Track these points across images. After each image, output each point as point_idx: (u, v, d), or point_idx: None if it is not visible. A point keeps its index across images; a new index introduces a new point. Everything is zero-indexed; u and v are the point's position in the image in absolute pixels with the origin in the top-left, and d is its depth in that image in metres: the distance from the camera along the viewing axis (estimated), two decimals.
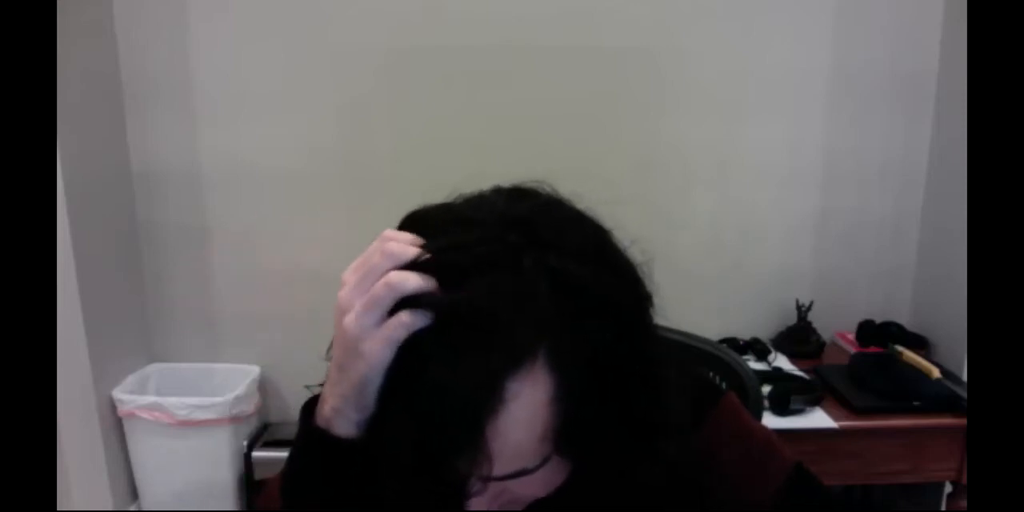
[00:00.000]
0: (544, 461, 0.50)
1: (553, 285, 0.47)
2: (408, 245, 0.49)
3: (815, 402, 1.72)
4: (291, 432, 2.13)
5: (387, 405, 0.48)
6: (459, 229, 0.50)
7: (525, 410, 0.47)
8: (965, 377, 1.81)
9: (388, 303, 0.48)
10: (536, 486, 0.53)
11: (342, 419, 0.52)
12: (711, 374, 0.97)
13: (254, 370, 2.22)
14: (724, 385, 0.97)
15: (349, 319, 0.50)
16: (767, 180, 2.18)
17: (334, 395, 0.52)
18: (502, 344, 0.45)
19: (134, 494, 2.17)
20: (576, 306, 0.48)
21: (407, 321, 0.47)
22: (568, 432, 0.49)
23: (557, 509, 0.58)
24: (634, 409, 0.52)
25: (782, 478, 0.63)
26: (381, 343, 0.48)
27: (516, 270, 0.47)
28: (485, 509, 0.52)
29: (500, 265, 0.47)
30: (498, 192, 0.55)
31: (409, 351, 0.47)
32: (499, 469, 0.48)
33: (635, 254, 0.54)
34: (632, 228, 0.58)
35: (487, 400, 0.45)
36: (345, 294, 0.52)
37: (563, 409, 0.48)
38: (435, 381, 0.45)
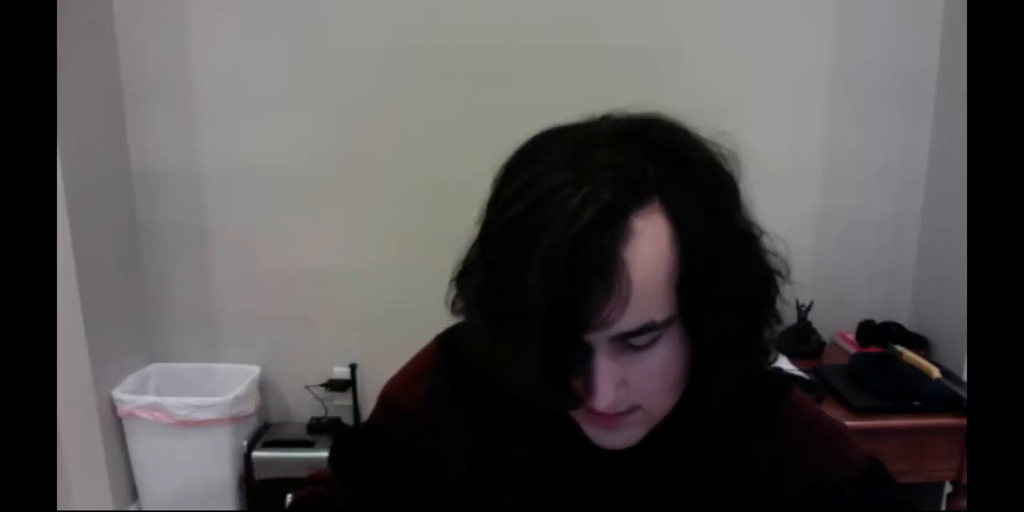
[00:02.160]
0: (669, 320, 0.51)
1: (656, 154, 0.52)
2: None
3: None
4: (291, 432, 2.16)
5: (513, 245, 0.49)
6: (587, 127, 0.58)
7: (651, 245, 0.49)
8: (965, 377, 1.81)
9: None
10: (653, 377, 0.54)
11: None
12: None
13: (254, 370, 2.22)
14: None
15: None
16: (767, 180, 2.17)
17: None
18: (620, 182, 0.49)
19: (134, 494, 2.17)
20: (678, 168, 0.52)
21: None
22: (689, 282, 0.51)
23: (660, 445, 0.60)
24: (744, 284, 0.55)
25: (861, 469, 0.63)
26: None
27: (618, 144, 0.53)
28: (607, 408, 0.53)
29: (603, 143, 0.53)
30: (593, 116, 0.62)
31: (535, 196, 0.49)
32: (628, 321, 0.49)
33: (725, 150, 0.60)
34: None
35: (618, 227, 0.48)
36: None
37: (683, 253, 0.50)
38: (566, 211, 0.47)
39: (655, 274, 0.49)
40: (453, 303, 0.60)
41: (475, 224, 0.56)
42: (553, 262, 0.47)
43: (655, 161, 0.51)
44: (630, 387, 0.53)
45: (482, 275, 0.53)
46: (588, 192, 0.48)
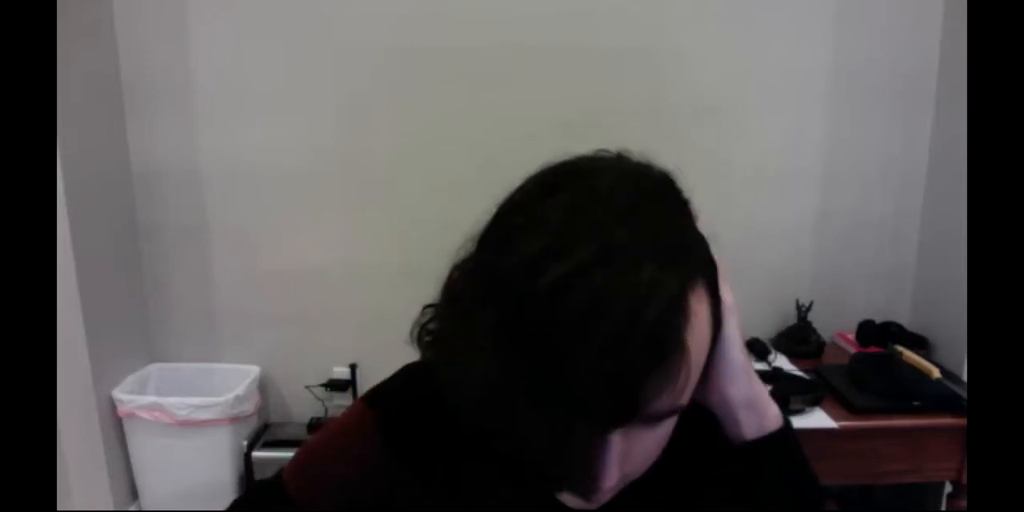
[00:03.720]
0: (689, 401, 0.50)
1: (678, 223, 0.51)
2: None
3: (815, 402, 1.72)
4: (291, 432, 2.16)
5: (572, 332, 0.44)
6: (603, 174, 0.52)
7: (701, 327, 0.48)
8: (965, 377, 1.81)
9: None
10: (650, 451, 0.54)
11: None
12: None
13: (254, 370, 2.22)
14: None
15: None
16: (767, 180, 2.18)
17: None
18: (675, 264, 0.46)
19: (134, 494, 2.17)
20: (696, 234, 0.52)
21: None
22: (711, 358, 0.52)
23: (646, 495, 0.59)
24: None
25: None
26: None
27: (661, 205, 0.50)
28: (616, 480, 0.51)
29: (649, 202, 0.50)
30: (604, 155, 0.57)
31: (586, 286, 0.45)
32: (666, 405, 0.47)
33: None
34: None
35: (681, 311, 0.45)
36: None
37: (713, 328, 0.50)
38: (633, 292, 0.44)
39: (702, 357, 0.49)
40: (420, 335, 0.56)
41: (471, 240, 0.53)
42: (624, 347, 0.43)
43: (681, 231, 0.50)
44: (629, 462, 0.52)
45: (509, 335, 0.46)
46: (652, 276, 0.44)
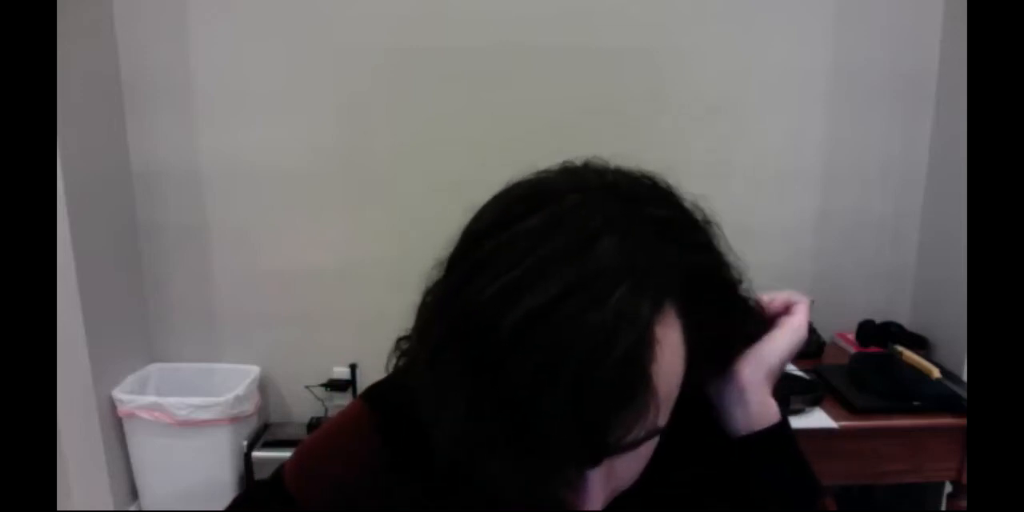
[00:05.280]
0: (668, 421, 0.50)
1: (657, 234, 0.49)
2: None
3: (815, 402, 1.72)
4: (291, 432, 2.16)
5: (531, 363, 0.43)
6: (566, 197, 0.49)
7: (671, 355, 0.47)
8: (965, 377, 1.81)
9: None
10: (637, 465, 0.53)
11: None
12: None
13: (254, 370, 2.22)
14: None
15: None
16: (767, 180, 2.18)
17: None
18: (642, 292, 0.45)
19: (134, 494, 2.17)
20: (679, 246, 0.50)
21: None
22: (692, 378, 0.51)
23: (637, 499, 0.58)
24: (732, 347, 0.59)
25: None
26: None
27: (628, 228, 0.48)
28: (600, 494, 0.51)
29: (615, 227, 0.47)
30: (569, 169, 0.56)
31: (546, 299, 0.44)
32: (639, 433, 0.47)
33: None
34: None
35: (647, 344, 0.44)
36: None
37: (689, 349, 0.49)
38: (593, 327, 0.43)
39: (673, 385, 0.48)
40: (398, 360, 0.56)
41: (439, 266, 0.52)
42: (587, 390, 0.43)
43: (661, 248, 0.48)
44: (614, 479, 0.52)
45: (473, 378, 0.46)
46: (616, 311, 0.43)
